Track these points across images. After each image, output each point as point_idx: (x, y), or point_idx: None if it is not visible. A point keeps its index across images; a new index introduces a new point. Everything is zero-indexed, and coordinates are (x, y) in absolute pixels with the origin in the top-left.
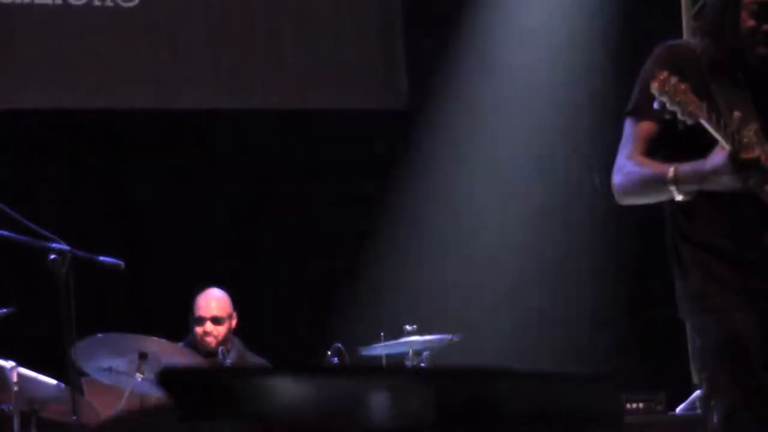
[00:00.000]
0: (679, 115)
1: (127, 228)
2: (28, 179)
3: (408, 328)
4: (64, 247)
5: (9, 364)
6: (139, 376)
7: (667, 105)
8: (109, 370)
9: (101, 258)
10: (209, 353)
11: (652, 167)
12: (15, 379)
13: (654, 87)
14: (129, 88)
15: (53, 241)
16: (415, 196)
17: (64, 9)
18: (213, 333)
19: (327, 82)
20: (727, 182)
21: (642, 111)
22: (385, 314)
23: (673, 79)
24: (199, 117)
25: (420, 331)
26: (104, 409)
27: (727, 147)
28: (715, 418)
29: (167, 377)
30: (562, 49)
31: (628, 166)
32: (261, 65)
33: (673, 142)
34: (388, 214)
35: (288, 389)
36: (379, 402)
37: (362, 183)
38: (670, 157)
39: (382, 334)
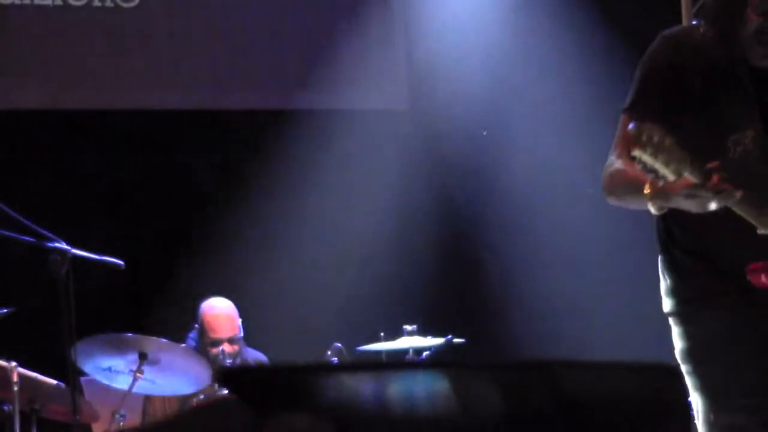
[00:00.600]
0: (661, 174)
1: (127, 228)
2: (27, 179)
3: (408, 328)
4: (64, 247)
5: (9, 364)
6: (139, 376)
7: (648, 165)
8: (109, 370)
9: (101, 258)
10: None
11: (635, 175)
12: (15, 379)
13: (635, 150)
14: (129, 88)
15: (53, 241)
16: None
17: (64, 9)
18: (230, 352)
19: (327, 82)
20: (689, 206)
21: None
22: (385, 314)
23: (657, 136)
24: (199, 117)
25: (420, 331)
26: (104, 409)
27: (697, 180)
28: (711, 418)
29: (232, 376)
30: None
31: (615, 167)
32: (261, 65)
33: None
34: (386, 212)
35: (354, 384)
36: (446, 396)
37: (361, 181)
38: None
39: (382, 334)
